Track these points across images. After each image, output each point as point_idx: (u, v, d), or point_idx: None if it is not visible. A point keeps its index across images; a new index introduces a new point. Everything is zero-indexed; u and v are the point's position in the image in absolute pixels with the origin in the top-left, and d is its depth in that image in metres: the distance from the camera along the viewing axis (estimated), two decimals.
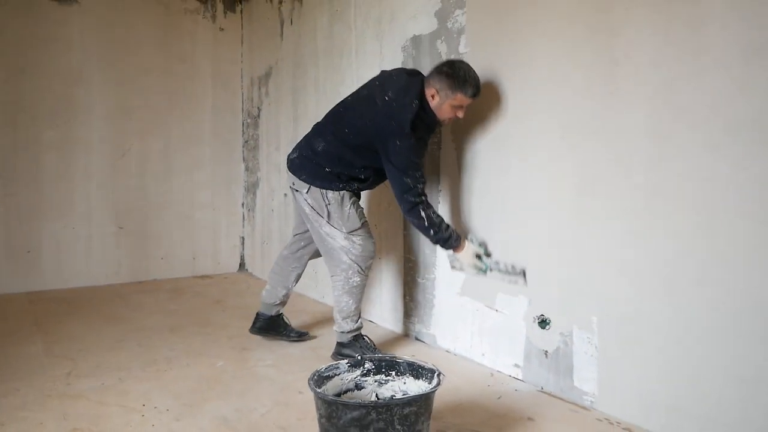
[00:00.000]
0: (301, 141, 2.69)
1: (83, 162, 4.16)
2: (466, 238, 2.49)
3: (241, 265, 4.79)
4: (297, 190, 2.61)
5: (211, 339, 2.97)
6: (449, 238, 2.42)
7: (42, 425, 1.99)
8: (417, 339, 2.96)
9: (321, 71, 3.67)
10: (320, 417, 1.65)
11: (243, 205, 4.78)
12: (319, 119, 3.66)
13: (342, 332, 2.60)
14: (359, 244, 2.56)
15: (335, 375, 1.85)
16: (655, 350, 1.93)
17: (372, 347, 2.60)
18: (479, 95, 2.39)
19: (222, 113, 4.66)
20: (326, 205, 2.54)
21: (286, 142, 4.09)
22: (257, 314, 2.91)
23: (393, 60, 3.03)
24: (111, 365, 2.57)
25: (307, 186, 2.56)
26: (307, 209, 2.58)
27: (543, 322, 2.31)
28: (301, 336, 2.87)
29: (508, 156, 2.43)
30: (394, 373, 1.89)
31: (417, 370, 1.85)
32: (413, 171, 2.37)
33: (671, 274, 1.88)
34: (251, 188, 4.65)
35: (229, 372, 2.51)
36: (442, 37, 2.72)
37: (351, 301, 2.57)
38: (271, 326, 2.87)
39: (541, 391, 2.30)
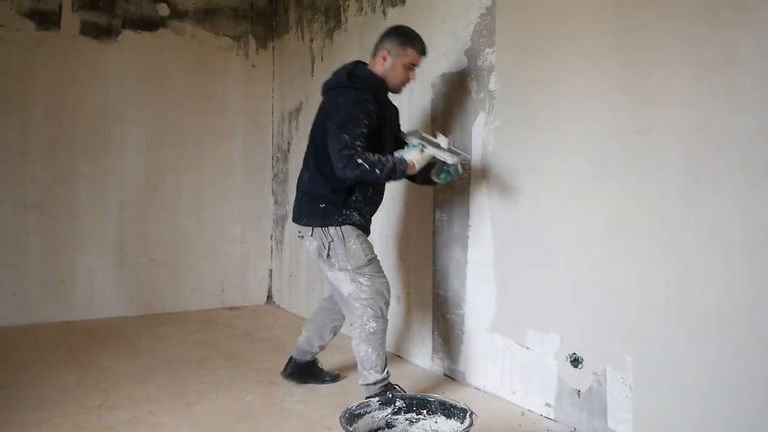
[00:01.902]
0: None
1: (117, 195, 4.26)
2: (407, 146, 2.42)
3: (269, 298, 4.81)
4: (303, 237, 2.56)
5: (239, 372, 2.97)
6: (394, 167, 2.32)
7: None
8: (446, 375, 2.92)
9: None
10: None
11: (271, 237, 4.83)
12: None
13: (368, 384, 2.43)
14: (366, 286, 2.42)
15: (366, 413, 1.84)
16: (691, 392, 1.89)
17: None
18: (426, 53, 2.50)
19: (252, 147, 4.74)
20: (329, 242, 2.43)
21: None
22: (290, 358, 2.80)
23: (422, 96, 3.07)
24: (141, 397, 2.59)
25: (310, 229, 2.47)
26: (314, 254, 2.50)
27: (575, 361, 2.27)
28: (334, 379, 2.79)
29: (538, 190, 2.43)
30: (425, 411, 1.87)
31: (449, 410, 1.83)
32: (353, 126, 2.28)
33: (709, 316, 1.84)
34: (280, 221, 4.70)
35: (258, 407, 2.51)
36: (472, 75, 2.75)
37: (370, 350, 2.40)
38: (304, 372, 2.78)
39: None
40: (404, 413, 1.88)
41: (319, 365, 2.81)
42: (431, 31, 3.00)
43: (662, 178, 1.97)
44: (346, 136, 2.29)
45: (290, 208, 4.47)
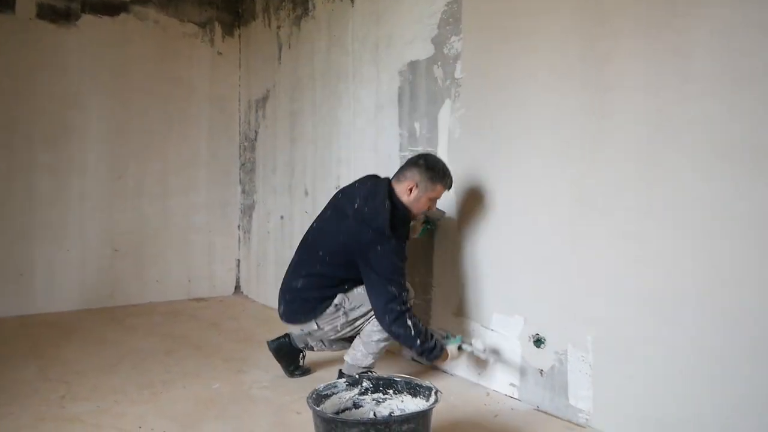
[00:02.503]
0: (280, 293, 2.58)
1: (78, 184, 4.17)
2: (444, 338, 2.49)
3: (237, 288, 4.78)
4: (305, 331, 2.52)
5: (207, 362, 2.96)
6: (434, 348, 2.33)
7: None
8: (414, 360, 2.96)
9: (318, 94, 3.73)
10: None
11: (239, 227, 4.79)
12: (317, 141, 3.71)
13: (353, 364, 2.46)
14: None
15: (333, 394, 1.85)
16: (649, 368, 1.95)
17: None
18: (451, 187, 2.47)
19: (219, 136, 4.70)
20: (343, 308, 2.42)
21: (282, 164, 4.13)
22: (286, 334, 2.73)
23: (390, 84, 3.08)
24: (106, 388, 2.55)
25: (311, 321, 2.45)
26: (328, 328, 2.46)
27: (538, 341, 2.32)
28: (303, 374, 2.75)
29: (502, 175, 2.47)
30: (391, 391, 1.89)
31: (414, 388, 1.86)
32: (398, 277, 2.28)
33: (664, 294, 1.90)
34: (247, 211, 4.67)
35: (226, 394, 2.50)
36: (439, 63, 2.78)
37: (382, 340, 2.42)
38: (288, 354, 2.72)
39: (537, 410, 2.30)
40: (371, 393, 1.90)
41: (301, 358, 2.77)
42: (399, 18, 3.02)
43: (621, 162, 2.02)
44: (393, 288, 2.27)
45: (258, 197, 4.46)
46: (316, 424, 1.66)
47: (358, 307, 2.43)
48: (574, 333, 2.18)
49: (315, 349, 2.75)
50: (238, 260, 4.79)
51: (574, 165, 2.18)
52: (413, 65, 2.94)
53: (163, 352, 3.13)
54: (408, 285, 2.42)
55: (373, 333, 2.44)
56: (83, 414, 2.27)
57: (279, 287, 2.63)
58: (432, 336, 2.36)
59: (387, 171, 2.99)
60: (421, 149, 2.88)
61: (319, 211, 2.64)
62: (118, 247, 4.30)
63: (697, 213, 1.81)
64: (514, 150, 2.42)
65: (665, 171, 1.90)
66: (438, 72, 2.78)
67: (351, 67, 3.41)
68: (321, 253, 2.43)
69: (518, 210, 2.41)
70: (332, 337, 2.55)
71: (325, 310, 2.44)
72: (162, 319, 3.91)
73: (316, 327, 2.48)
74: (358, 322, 2.47)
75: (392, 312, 2.26)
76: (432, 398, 1.74)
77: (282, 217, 4.14)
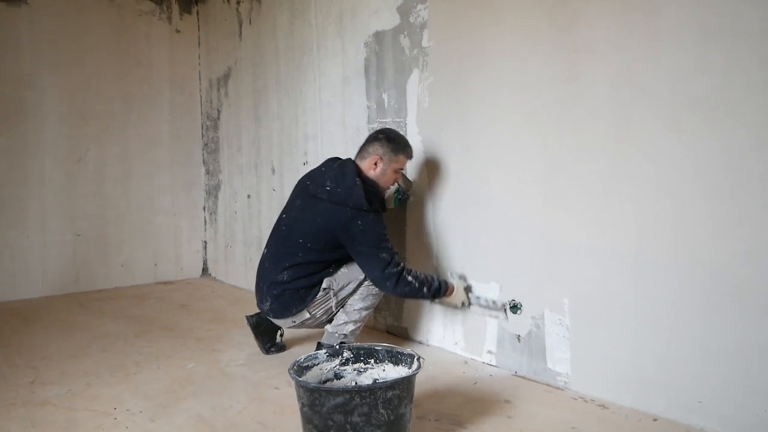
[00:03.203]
0: (260, 291, 2.52)
1: (36, 168, 4.02)
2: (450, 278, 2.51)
3: (204, 270, 4.71)
4: (296, 322, 2.48)
5: (180, 342, 2.91)
6: (440, 286, 2.39)
7: None
8: (389, 333, 2.97)
9: (282, 69, 3.66)
10: (302, 406, 1.64)
11: (204, 208, 4.70)
12: (283, 117, 3.64)
13: (335, 333, 2.44)
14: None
15: (314, 365, 1.84)
16: (625, 328, 1.99)
17: None
18: (413, 157, 2.53)
19: (180, 116, 4.58)
20: (329, 292, 2.41)
21: (247, 142, 4.05)
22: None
23: (356, 56, 3.04)
24: (77, 372, 2.49)
25: (303, 311, 2.43)
26: (320, 313, 2.44)
27: (514, 307, 2.35)
28: (279, 350, 2.72)
29: (473, 143, 2.47)
30: (373, 360, 1.89)
31: (396, 357, 1.86)
32: (384, 243, 2.32)
33: (637, 254, 1.94)
34: (212, 191, 4.59)
35: (201, 373, 2.46)
36: (405, 32, 2.75)
37: (363, 309, 2.44)
38: (267, 330, 2.68)
39: (516, 375, 2.34)
40: (352, 363, 1.89)
41: (279, 335, 2.74)
42: None
43: (592, 123, 2.04)
44: (384, 255, 2.30)
45: (223, 177, 4.37)
46: (299, 395, 1.65)
47: (346, 286, 2.43)
48: (551, 296, 2.21)
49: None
50: (205, 242, 4.71)
51: (544, 128, 2.19)
52: (379, 36, 2.90)
53: (133, 334, 3.06)
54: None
55: (354, 303, 2.44)
56: (54, 398, 2.20)
57: (254, 274, 2.59)
58: (433, 278, 2.40)
59: (355, 144, 2.97)
60: (390, 120, 2.85)
61: (288, 196, 2.61)
62: (80, 231, 4.18)
63: (670, 169, 1.84)
64: (485, 116, 2.42)
65: (636, 129, 1.92)
66: (405, 41, 2.75)
67: (315, 40, 3.36)
68: (302, 241, 2.40)
69: (489, 177, 2.42)
70: (324, 319, 2.51)
71: (315, 296, 2.42)
72: (129, 302, 3.83)
73: (308, 315, 2.45)
74: (347, 300, 2.46)
75: (391, 277, 2.30)
76: (415, 364, 1.74)
77: (249, 197, 4.08)
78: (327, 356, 1.87)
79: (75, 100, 4.14)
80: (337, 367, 1.88)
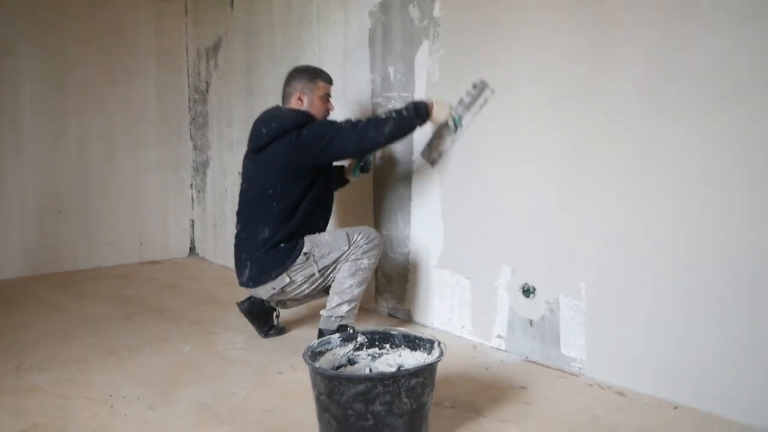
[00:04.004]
0: (239, 262, 2.48)
1: (13, 141, 3.81)
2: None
3: (192, 250, 4.55)
4: (276, 289, 2.39)
5: (173, 325, 2.78)
6: (417, 109, 2.32)
7: None
8: (391, 315, 2.87)
9: (278, 42, 3.49)
10: (319, 394, 1.54)
11: (192, 186, 4.53)
12: (278, 92, 3.49)
13: (332, 317, 2.34)
14: (360, 235, 2.37)
15: (327, 350, 1.74)
16: (645, 315, 1.93)
17: None
18: (333, 82, 2.56)
19: (167, 89, 4.38)
20: (309, 258, 2.34)
21: (239, 116, 3.89)
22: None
23: (360, 28, 2.90)
24: (66, 357, 2.35)
25: (283, 275, 2.34)
26: (301, 279, 2.36)
27: (527, 291, 2.27)
28: (279, 333, 2.62)
29: (489, 121, 2.37)
30: (388, 345, 1.80)
31: (413, 342, 1.76)
32: (339, 123, 2.32)
33: (664, 239, 1.87)
34: (200, 168, 4.42)
35: (198, 357, 2.35)
36: (414, 1, 2.61)
37: (354, 284, 2.35)
38: (261, 313, 2.59)
39: (527, 360, 2.26)
40: (366, 348, 1.79)
41: (275, 317, 2.64)
42: None
43: (620, 105, 1.95)
44: (344, 124, 2.31)
45: (212, 153, 4.21)
46: (315, 383, 1.54)
47: (328, 254, 2.35)
48: (567, 281, 2.13)
49: (289, 306, 2.63)
50: (192, 220, 4.55)
51: (566, 107, 2.10)
52: (385, 5, 2.76)
53: (123, 316, 2.92)
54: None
55: (344, 280, 2.35)
56: (44, 384, 2.08)
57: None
58: (407, 106, 2.33)
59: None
60: (396, 95, 2.73)
61: None
62: (62, 209, 3.99)
63: (698, 155, 1.77)
64: (500, 94, 2.31)
65: (668, 112, 1.83)
66: (414, 11, 2.62)
67: (315, 11, 3.20)
68: (271, 191, 2.36)
69: (504, 158, 2.32)
70: (306, 291, 2.41)
71: (295, 259, 2.34)
72: (115, 283, 3.67)
73: (288, 280, 2.36)
74: (329, 272, 2.37)
75: (367, 126, 2.29)
76: (437, 350, 1.65)
77: (240, 173, 3.92)
78: (341, 341, 1.77)
79: (54, 71, 3.91)
80: (351, 352, 1.78)
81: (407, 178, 2.72)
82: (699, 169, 1.77)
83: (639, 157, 1.91)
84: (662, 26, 1.82)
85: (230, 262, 4.04)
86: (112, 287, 3.56)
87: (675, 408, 1.83)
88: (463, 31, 2.43)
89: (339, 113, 3.05)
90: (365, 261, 2.36)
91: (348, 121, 2.33)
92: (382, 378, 1.47)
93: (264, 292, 2.43)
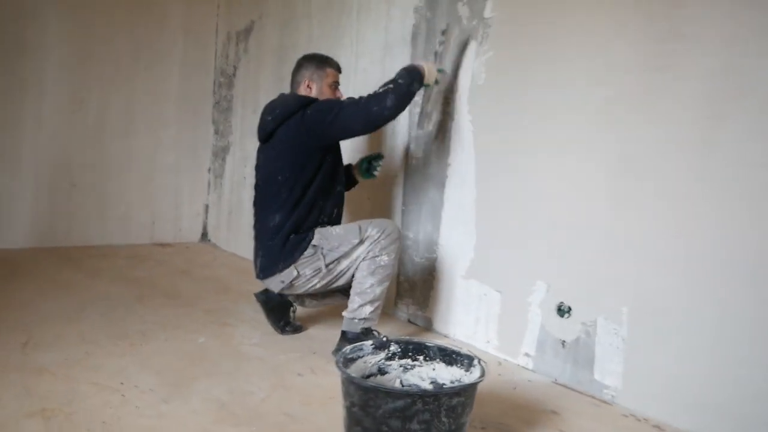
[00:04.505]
0: (255, 252, 2.45)
1: (33, 109, 3.73)
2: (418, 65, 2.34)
3: (204, 235, 4.46)
4: (285, 282, 2.32)
5: (186, 312, 2.68)
6: (410, 74, 2.27)
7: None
8: (410, 322, 2.77)
9: (315, 29, 3.40)
10: (351, 405, 1.44)
11: (209, 170, 4.44)
12: None
13: (354, 319, 2.23)
14: (375, 229, 2.26)
15: (359, 357, 1.64)
16: (694, 346, 1.82)
17: None
18: (342, 70, 2.54)
19: (192, 70, 4.29)
20: (320, 251, 2.27)
21: (265, 104, 3.78)
22: None
23: (403, 22, 2.80)
24: (74, 337, 2.26)
25: (291, 267, 2.28)
26: (309, 272, 2.29)
27: (562, 311, 2.17)
28: (295, 331, 2.51)
29: (533, 129, 2.27)
30: (422, 358, 1.70)
31: (450, 356, 1.66)
32: (342, 101, 2.29)
33: (720, 268, 1.76)
34: (220, 153, 4.32)
35: (213, 349, 2.25)
36: (464, 0, 2.51)
37: (375, 283, 2.23)
38: (278, 306, 2.51)
39: (556, 383, 2.16)
40: (398, 359, 1.70)
41: (292, 312, 2.55)
42: None
43: (678, 120, 1.85)
44: (347, 101, 2.26)
45: (234, 139, 4.12)
46: (347, 392, 1.44)
47: (337, 248, 2.26)
48: (607, 303, 2.03)
49: (307, 305, 2.53)
50: (207, 206, 4.46)
51: (621, 121, 1.99)
52: (433, 1, 2.66)
53: (134, 299, 2.83)
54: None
55: (364, 280, 2.24)
56: (51, 364, 1.98)
57: (251, 236, 2.50)
58: (401, 74, 2.28)
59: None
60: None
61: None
62: (76, 181, 3.90)
63: (762, 180, 1.67)
64: (550, 100, 2.21)
65: (731, 130, 1.73)
66: (463, 10, 2.52)
67: (356, 1, 3.10)
68: (281, 177, 2.33)
69: (547, 167, 2.22)
70: (317, 286, 2.32)
71: (303, 251, 2.27)
72: (126, 263, 3.58)
73: (296, 273, 2.28)
74: (340, 267, 2.27)
75: (370, 100, 2.22)
76: (476, 369, 1.55)
77: None
78: (373, 348, 1.67)
79: (79, 41, 3.83)
80: (382, 361, 1.68)
81: (440, 182, 2.62)
82: (759, 194, 1.67)
83: (698, 174, 1.80)
84: (737, 43, 1.72)
85: (243, 251, 3.98)
86: (123, 267, 3.46)
87: None
88: (515, 33, 2.33)
89: None
90: (384, 258, 2.24)
91: (350, 98, 2.30)
92: (424, 395, 1.37)
93: (273, 284, 2.36)
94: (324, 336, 2.50)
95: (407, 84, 2.24)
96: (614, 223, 2.02)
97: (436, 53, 2.43)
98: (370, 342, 1.68)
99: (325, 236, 2.29)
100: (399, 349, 1.70)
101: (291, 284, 2.32)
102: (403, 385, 1.67)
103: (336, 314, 2.68)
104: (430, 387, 1.66)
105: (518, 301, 2.31)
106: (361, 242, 2.25)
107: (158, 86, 4.17)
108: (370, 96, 2.24)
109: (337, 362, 1.50)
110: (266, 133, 2.40)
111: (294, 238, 2.29)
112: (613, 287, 2.01)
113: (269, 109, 2.42)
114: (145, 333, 2.36)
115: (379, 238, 2.24)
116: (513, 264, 2.33)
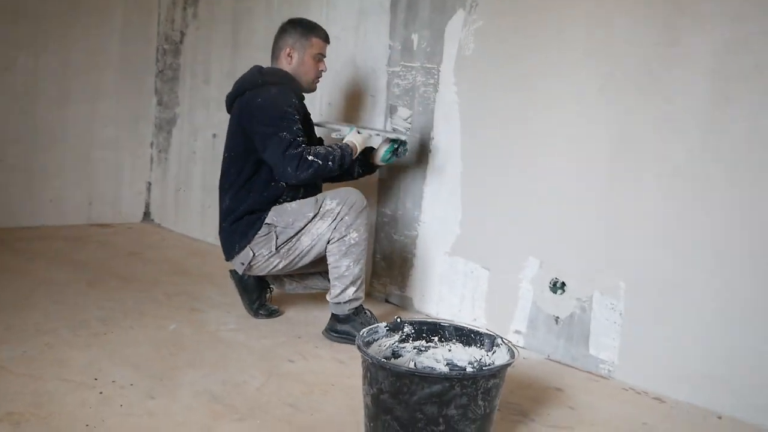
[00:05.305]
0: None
1: None
2: (351, 133, 2.20)
3: (146, 215, 4.14)
4: (245, 264, 2.18)
5: (146, 296, 2.46)
6: (342, 152, 2.10)
7: None
8: (387, 301, 2.67)
9: None
10: (379, 393, 1.32)
11: (152, 145, 4.12)
12: (269, 49, 3.21)
13: (340, 303, 2.11)
14: (335, 202, 2.10)
15: (374, 341, 1.53)
16: (690, 319, 1.83)
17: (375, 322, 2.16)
18: (329, 41, 2.34)
19: (133, 35, 3.93)
20: (273, 232, 2.12)
21: (219, 74, 3.54)
22: None
23: None
24: (27, 328, 2.01)
25: (246, 248, 2.14)
26: (266, 252, 2.14)
27: (555, 286, 2.13)
28: (270, 315, 2.34)
29: (522, 104, 2.20)
30: (437, 339, 1.60)
31: (467, 336, 1.58)
32: (287, 123, 2.04)
33: (721, 242, 1.77)
34: (165, 126, 4.01)
35: (189, 336, 2.07)
36: None
37: (352, 263, 2.10)
38: (253, 286, 2.32)
39: (549, 359, 2.14)
40: (412, 341, 1.59)
41: (269, 291, 2.39)
42: None
43: (685, 98, 1.83)
44: (285, 134, 2.03)
45: (179, 110, 3.84)
46: (375, 378, 1.33)
47: (292, 224, 2.12)
48: (604, 279, 2.01)
49: (287, 289, 2.38)
50: (149, 183, 4.14)
51: (622, 97, 1.96)
52: None
53: (86, 283, 2.57)
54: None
55: (339, 263, 2.11)
56: (8, 361, 1.74)
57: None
58: (334, 147, 2.10)
59: (368, 87, 2.65)
60: (419, 65, 2.52)
61: None
62: (2, 156, 3.50)
63: (760, 158, 1.68)
64: (545, 74, 2.14)
65: (739, 109, 1.73)
66: None
67: None
68: (227, 155, 2.23)
69: (542, 142, 2.16)
70: (280, 267, 2.17)
71: (257, 231, 2.13)
72: (64, 245, 3.26)
73: (252, 255, 2.15)
74: (300, 245, 2.12)
75: (292, 158, 2.01)
76: (503, 348, 1.47)
77: (215, 136, 3.58)
78: (387, 331, 1.56)
79: None
80: (396, 344, 1.58)
81: (423, 154, 2.51)
82: (762, 170, 1.68)
83: (703, 153, 1.80)
84: (745, 19, 1.71)
85: (194, 231, 3.74)
86: (64, 249, 3.15)
87: (719, 418, 1.75)
88: (507, 3, 2.25)
89: (345, 79, 2.80)
90: (354, 235, 2.09)
91: (293, 133, 2.04)
92: (462, 378, 1.28)
93: (237, 266, 2.22)
94: (304, 319, 2.36)
95: (338, 163, 2.07)
96: (612, 200, 1.99)
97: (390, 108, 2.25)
98: (384, 324, 1.56)
99: (279, 213, 2.14)
100: (413, 331, 1.59)
101: (250, 266, 2.17)
102: (415, 367, 1.58)
103: (312, 295, 2.55)
104: (446, 369, 1.57)
105: (508, 278, 2.26)
106: (319, 216, 2.09)
107: (96, 50, 3.78)
108: (306, 156, 2.01)
109: (359, 347, 1.38)
110: (227, 106, 2.29)
111: (248, 218, 2.15)
112: (611, 263, 2.00)
113: (236, 84, 2.27)
114: (106, 320, 2.14)
115: (341, 213, 2.08)
116: (503, 240, 2.28)
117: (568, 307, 2.11)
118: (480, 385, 1.29)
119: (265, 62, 2.35)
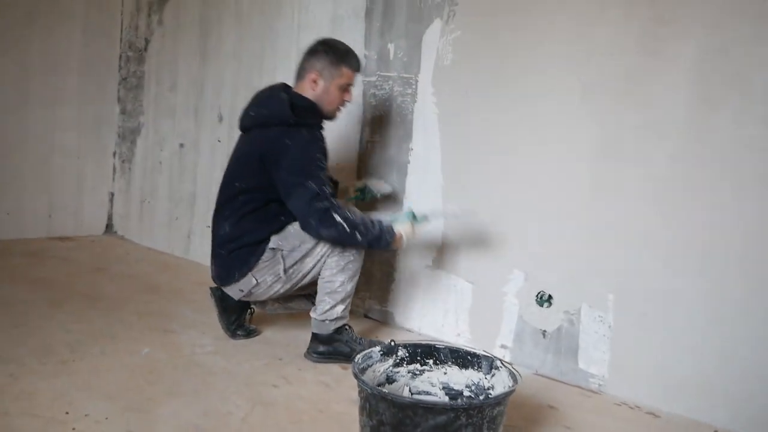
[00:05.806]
0: (211, 254, 2.16)
1: None
2: (403, 215, 2.09)
3: (109, 227, 3.98)
4: (244, 291, 2.09)
5: (116, 317, 2.34)
6: (380, 235, 1.96)
7: None
8: (367, 317, 2.61)
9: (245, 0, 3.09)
10: (379, 424, 1.26)
11: (115, 154, 3.96)
12: (242, 57, 3.13)
13: (326, 320, 2.04)
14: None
15: (368, 366, 1.47)
16: (682, 330, 1.83)
17: (359, 340, 2.10)
18: (361, 69, 2.18)
19: (95, 41, 3.77)
20: (280, 256, 2.03)
21: (186, 81, 3.42)
22: None
23: None
24: None
25: (248, 275, 2.04)
26: (270, 279, 2.05)
27: (542, 299, 2.11)
28: (248, 335, 2.25)
29: (502, 113, 2.17)
30: (431, 362, 1.56)
31: (464, 358, 1.53)
32: (316, 170, 1.94)
33: (709, 249, 1.77)
34: (128, 136, 3.86)
35: (164, 362, 1.96)
36: None
37: (346, 280, 2.04)
38: (233, 307, 2.21)
39: (537, 374, 2.11)
40: (406, 364, 1.54)
41: (249, 314, 2.29)
42: None
43: (669, 104, 1.83)
44: (312, 183, 1.90)
45: (146, 119, 3.70)
46: (375, 410, 1.26)
47: (298, 247, 2.03)
48: (591, 291, 1.99)
49: (268, 309, 2.29)
50: (112, 194, 3.98)
51: (603, 105, 1.96)
52: None
53: (47, 303, 2.43)
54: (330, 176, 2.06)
55: (334, 278, 2.04)
56: None
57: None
58: (374, 222, 1.98)
59: None
60: (395, 75, 2.47)
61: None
62: None
63: (759, 163, 1.69)
64: (525, 84, 2.12)
65: (723, 116, 1.74)
66: None
67: None
68: (237, 184, 2.07)
69: (523, 153, 2.14)
70: (281, 292, 2.10)
71: (260, 256, 2.02)
72: (22, 260, 3.09)
73: (255, 282, 2.05)
74: (304, 267, 2.05)
75: (316, 212, 1.89)
76: (502, 371, 1.43)
77: (182, 145, 3.46)
78: (381, 355, 1.51)
79: None
80: (390, 368, 1.52)
81: (402, 168, 2.47)
82: (751, 175, 1.69)
83: (687, 159, 1.80)
84: (727, 28, 1.72)
85: (161, 244, 3.61)
86: (22, 265, 2.99)
87: (715, 431, 1.75)
88: (485, 13, 2.22)
89: None
90: (353, 250, 2.03)
91: (320, 182, 1.92)
92: (468, 407, 1.22)
93: (233, 293, 2.13)
94: (283, 339, 2.28)
95: (367, 240, 1.95)
96: (596, 208, 1.99)
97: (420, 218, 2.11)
98: (378, 348, 1.51)
99: (283, 237, 2.04)
100: (407, 354, 1.54)
101: (251, 292, 2.08)
102: (412, 394, 1.52)
103: (291, 314, 2.46)
104: (442, 392, 1.52)
105: (492, 292, 2.22)
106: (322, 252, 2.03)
107: (56, 55, 3.62)
108: (333, 214, 1.90)
109: (356, 375, 1.31)
110: (243, 126, 2.13)
111: (248, 248, 2.04)
112: (598, 274, 1.98)
113: (257, 102, 2.11)
114: (74, 346, 2.01)
115: (345, 239, 1.98)
116: (486, 253, 2.24)
117: (555, 321, 2.08)
118: (486, 414, 1.24)
119: (237, 72, 2.26)
